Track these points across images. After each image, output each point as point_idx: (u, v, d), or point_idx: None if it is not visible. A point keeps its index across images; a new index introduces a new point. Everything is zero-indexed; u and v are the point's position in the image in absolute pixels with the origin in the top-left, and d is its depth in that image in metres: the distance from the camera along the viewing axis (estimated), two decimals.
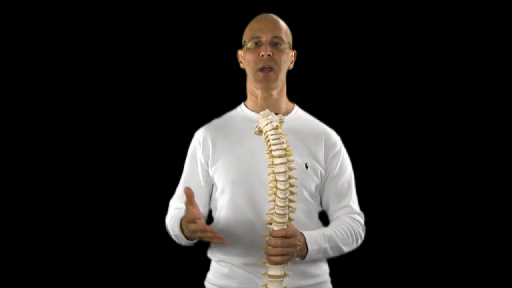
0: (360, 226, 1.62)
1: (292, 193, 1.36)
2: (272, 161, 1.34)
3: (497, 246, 2.29)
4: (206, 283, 1.66)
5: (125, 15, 2.35)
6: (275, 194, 1.35)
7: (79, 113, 2.38)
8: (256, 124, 1.39)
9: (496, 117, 2.32)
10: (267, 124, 1.35)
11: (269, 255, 1.38)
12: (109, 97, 2.38)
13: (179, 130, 2.00)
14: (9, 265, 2.29)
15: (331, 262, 1.66)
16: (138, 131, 2.38)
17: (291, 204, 1.37)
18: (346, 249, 1.57)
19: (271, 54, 1.55)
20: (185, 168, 1.69)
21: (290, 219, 1.39)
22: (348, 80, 2.37)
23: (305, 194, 1.56)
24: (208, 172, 1.63)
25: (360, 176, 1.71)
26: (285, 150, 1.33)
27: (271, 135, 1.34)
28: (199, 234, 1.41)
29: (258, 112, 1.63)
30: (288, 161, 1.33)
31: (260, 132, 1.38)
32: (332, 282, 1.65)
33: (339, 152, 1.64)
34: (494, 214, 2.30)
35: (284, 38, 1.59)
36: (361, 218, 1.64)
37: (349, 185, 1.65)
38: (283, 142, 1.33)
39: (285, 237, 1.37)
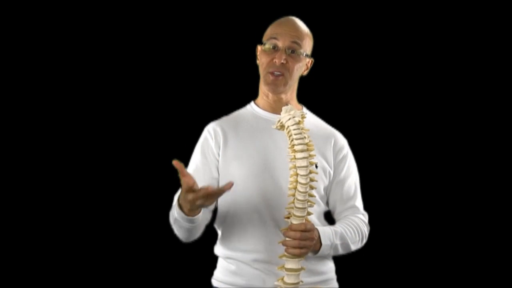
0: (365, 226, 1.65)
1: (312, 187, 1.38)
2: (294, 156, 1.35)
3: (498, 246, 2.33)
4: (213, 281, 1.65)
5: (137, 15, 2.35)
6: (295, 188, 1.36)
7: (88, 111, 2.37)
8: (278, 119, 1.41)
9: (504, 120, 2.37)
10: (289, 119, 1.37)
11: (288, 247, 1.39)
12: (116, 95, 2.37)
13: (185, 129, 2.00)
14: (9, 265, 2.24)
15: (337, 260, 1.68)
16: (145, 129, 2.37)
17: (310, 199, 1.39)
18: (353, 247, 1.60)
19: (284, 62, 1.56)
20: (193, 161, 1.65)
21: (308, 213, 1.40)
22: (354, 83, 2.40)
23: (316, 195, 1.57)
24: (218, 162, 1.61)
25: (365, 178, 1.74)
26: (307, 145, 1.35)
27: (294, 130, 1.36)
28: (200, 202, 1.30)
29: (268, 110, 1.66)
30: (309, 155, 1.35)
31: (282, 127, 1.40)
32: (338, 280, 1.67)
33: (346, 154, 1.68)
34: (496, 214, 2.34)
35: (302, 45, 1.59)
36: (365, 218, 1.68)
37: (356, 187, 1.69)
38: (305, 137, 1.35)
39: (305, 230, 1.39)
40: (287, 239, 1.40)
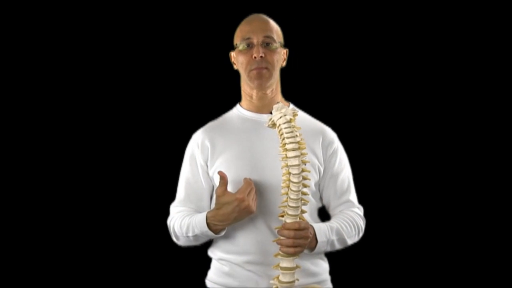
0: (361, 219, 1.65)
1: (305, 186, 1.38)
2: (286, 154, 1.35)
3: (495, 242, 2.33)
4: (207, 282, 1.65)
5: (119, 17, 2.33)
6: (288, 187, 1.36)
7: (74, 116, 2.34)
8: (269, 117, 1.41)
9: (491, 115, 2.36)
10: (280, 117, 1.37)
11: (282, 246, 1.39)
12: (103, 101, 2.35)
13: (174, 133, 1.99)
14: (9, 265, 2.23)
15: (331, 260, 1.68)
16: (133, 134, 2.35)
17: (304, 197, 1.39)
18: (350, 241, 1.60)
19: (263, 55, 1.57)
20: (184, 171, 1.67)
21: (302, 211, 1.40)
22: (342, 77, 2.39)
23: (308, 193, 1.58)
24: (208, 174, 1.63)
25: (357, 172, 1.73)
26: (299, 144, 1.35)
27: (285, 128, 1.35)
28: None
29: (254, 111, 1.66)
30: (301, 154, 1.35)
31: (273, 125, 1.40)
32: (332, 280, 1.66)
33: (337, 149, 1.67)
34: (492, 209, 2.34)
35: (275, 38, 1.61)
36: (361, 212, 1.68)
37: (349, 181, 1.69)
38: (296, 135, 1.35)
39: (299, 229, 1.39)
40: (281, 238, 1.40)
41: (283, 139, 1.35)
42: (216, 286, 1.61)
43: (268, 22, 1.63)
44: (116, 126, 2.34)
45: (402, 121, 2.39)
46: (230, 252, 1.58)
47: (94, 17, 2.32)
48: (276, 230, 1.42)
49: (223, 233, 1.53)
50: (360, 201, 1.71)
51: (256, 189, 1.52)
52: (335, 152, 1.66)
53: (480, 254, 2.32)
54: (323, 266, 1.64)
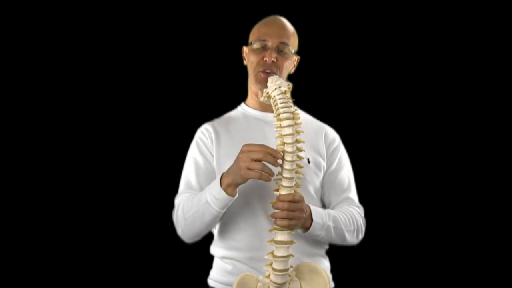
0: (361, 218, 1.60)
1: (299, 157, 1.35)
2: (280, 124, 1.34)
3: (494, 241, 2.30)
4: (210, 281, 1.59)
5: (125, 15, 2.38)
6: (283, 158, 1.34)
7: (80, 114, 2.37)
8: (264, 90, 1.42)
9: (490, 115, 2.37)
10: (275, 89, 1.38)
11: (276, 218, 1.34)
12: (106, 97, 2.39)
13: (176, 131, 2.02)
14: (9, 265, 2.21)
15: (332, 259, 1.62)
16: (136, 132, 2.37)
17: (299, 170, 1.36)
18: (348, 236, 1.53)
19: (275, 60, 1.58)
20: (192, 160, 1.61)
21: (297, 185, 1.36)
22: (342, 78, 2.42)
23: (310, 189, 1.56)
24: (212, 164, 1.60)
25: (357, 173, 1.71)
26: (293, 114, 1.34)
27: (279, 99, 1.36)
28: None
29: (259, 109, 1.67)
30: (296, 124, 1.34)
31: (268, 97, 1.41)
32: (334, 279, 1.60)
33: (338, 146, 1.67)
34: (492, 208, 2.32)
35: (290, 44, 1.62)
36: (361, 211, 1.63)
37: (349, 180, 1.66)
38: (291, 105, 1.35)
39: (293, 201, 1.34)
40: (276, 211, 1.35)
41: (277, 109, 1.35)
42: (218, 285, 1.55)
43: (286, 28, 1.63)
44: (121, 124, 2.37)
45: (402, 121, 2.41)
46: (233, 248, 1.52)
47: (99, 15, 2.38)
48: (271, 204, 1.37)
49: (235, 195, 1.42)
50: (361, 201, 1.68)
51: (260, 186, 1.49)
52: (337, 149, 1.66)
53: (480, 254, 2.27)
54: (325, 265, 1.59)
